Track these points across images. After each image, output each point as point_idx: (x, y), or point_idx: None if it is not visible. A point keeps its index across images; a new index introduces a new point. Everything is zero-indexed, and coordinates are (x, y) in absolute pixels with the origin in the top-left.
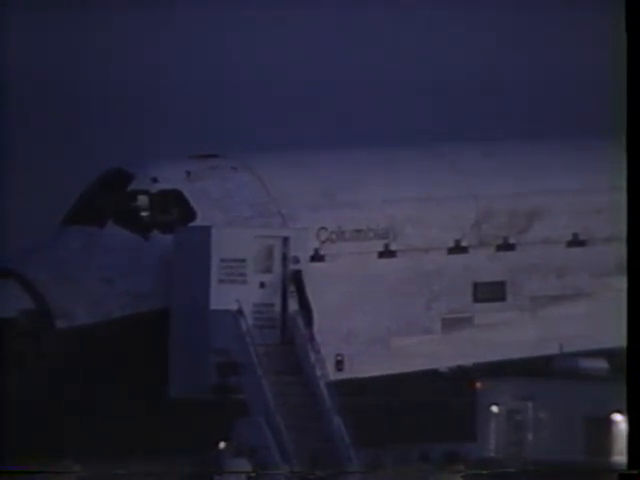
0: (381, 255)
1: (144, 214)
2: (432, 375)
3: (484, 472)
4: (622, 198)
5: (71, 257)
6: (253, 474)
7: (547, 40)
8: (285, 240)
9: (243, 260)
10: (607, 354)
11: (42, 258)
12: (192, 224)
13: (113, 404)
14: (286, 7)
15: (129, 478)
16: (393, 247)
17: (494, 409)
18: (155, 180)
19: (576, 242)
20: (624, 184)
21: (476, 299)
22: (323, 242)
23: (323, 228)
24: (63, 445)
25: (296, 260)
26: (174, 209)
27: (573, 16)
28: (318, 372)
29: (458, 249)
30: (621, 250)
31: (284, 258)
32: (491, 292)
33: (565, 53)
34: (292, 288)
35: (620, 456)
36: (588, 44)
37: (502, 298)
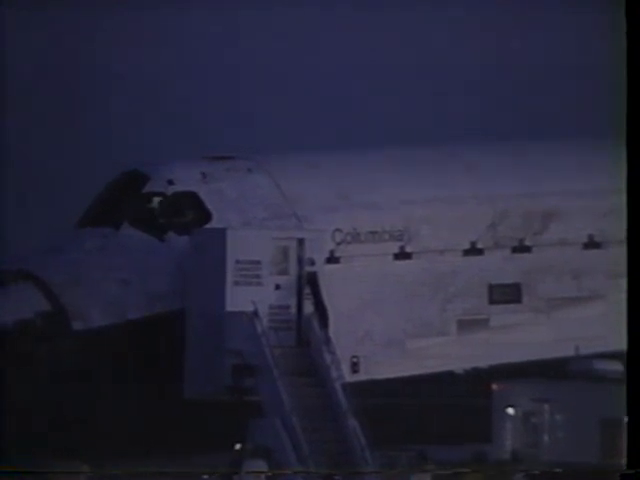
0: (396, 257)
1: (160, 216)
2: (448, 377)
3: (494, 474)
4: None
5: (87, 259)
6: (270, 474)
7: (561, 39)
8: (300, 242)
9: (258, 262)
10: (622, 356)
11: (58, 260)
12: (208, 226)
13: (129, 405)
14: (302, 6)
15: (144, 478)
16: (408, 249)
17: (510, 411)
18: (171, 182)
19: (592, 244)
20: None
21: (492, 301)
22: (338, 244)
23: (338, 230)
24: (79, 446)
25: (311, 262)
26: (189, 211)
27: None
28: (334, 374)
29: (474, 251)
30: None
31: (299, 260)
32: (507, 294)
33: (579, 51)
34: (307, 290)
35: None
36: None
37: (518, 300)
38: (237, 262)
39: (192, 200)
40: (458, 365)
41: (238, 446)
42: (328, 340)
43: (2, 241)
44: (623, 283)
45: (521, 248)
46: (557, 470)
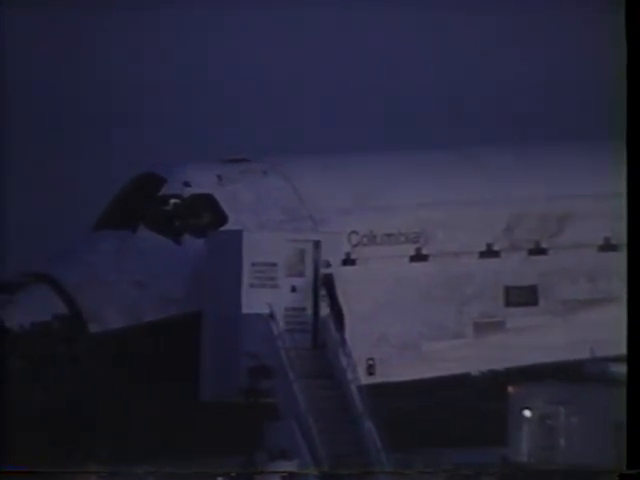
0: (412, 259)
1: (176, 218)
2: (463, 379)
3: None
4: None
5: (103, 261)
6: (285, 474)
7: (578, 40)
8: (316, 244)
9: (274, 264)
10: None
11: (74, 262)
12: (223, 228)
13: (144, 407)
14: (318, 6)
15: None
16: (425, 251)
17: (526, 413)
18: (187, 184)
19: (607, 246)
20: None
21: (508, 303)
22: (354, 246)
23: (354, 232)
24: (94, 447)
25: (327, 264)
26: (206, 213)
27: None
28: (349, 376)
29: (490, 253)
30: None
31: (315, 262)
32: (523, 296)
33: (596, 54)
34: (323, 292)
35: None
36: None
37: (534, 302)
38: (253, 264)
39: (208, 202)
40: (474, 368)
41: (254, 448)
42: (344, 342)
43: (18, 243)
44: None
45: (537, 250)
46: (557, 470)
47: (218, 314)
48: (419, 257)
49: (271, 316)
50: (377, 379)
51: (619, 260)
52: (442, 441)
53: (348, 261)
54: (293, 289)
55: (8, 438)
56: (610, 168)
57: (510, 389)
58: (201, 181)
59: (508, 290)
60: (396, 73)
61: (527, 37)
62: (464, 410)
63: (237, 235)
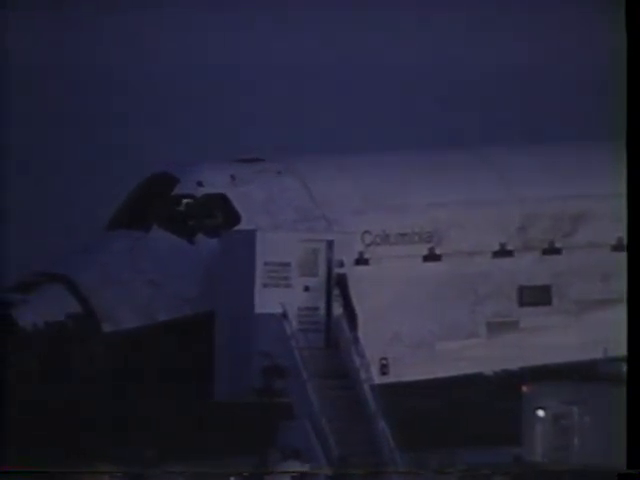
0: (426, 259)
1: (189, 218)
2: (477, 379)
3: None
4: None
5: (117, 261)
6: (298, 474)
7: (595, 40)
8: (330, 244)
9: (288, 264)
10: None
11: (88, 262)
12: (237, 228)
13: (158, 407)
14: (334, 6)
15: (174, 478)
16: (438, 251)
17: (540, 413)
18: (200, 184)
19: (621, 246)
20: None
21: (521, 303)
22: (368, 245)
23: (367, 232)
24: (108, 447)
25: (341, 264)
26: (219, 213)
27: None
28: (363, 375)
29: (503, 253)
30: None
31: (329, 262)
32: (537, 296)
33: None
34: (337, 292)
35: None
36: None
37: (548, 302)
38: (266, 264)
39: (221, 202)
40: (487, 367)
41: (267, 447)
42: (357, 342)
43: (32, 243)
44: None
45: (551, 250)
46: (570, 470)
47: (231, 314)
48: (432, 257)
49: (284, 316)
50: (390, 379)
51: None
52: (456, 441)
53: (361, 261)
54: (306, 289)
55: (21, 438)
56: (623, 167)
57: (524, 389)
58: (214, 181)
59: (522, 290)
60: (411, 73)
61: (531, 35)
62: (477, 410)
63: (250, 235)
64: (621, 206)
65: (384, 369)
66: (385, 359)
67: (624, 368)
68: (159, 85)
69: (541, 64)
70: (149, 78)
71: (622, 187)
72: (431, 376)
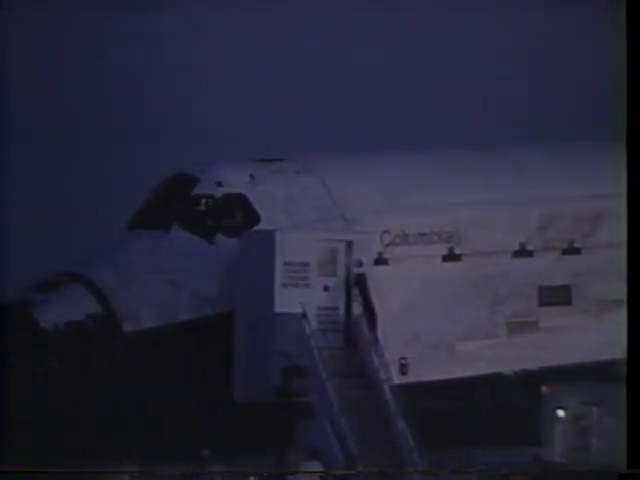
0: (445, 259)
1: (209, 218)
2: (497, 379)
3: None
4: None
5: (137, 261)
6: (317, 474)
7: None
8: (349, 244)
9: (307, 264)
10: None
11: (108, 262)
12: (256, 228)
13: (178, 407)
14: (354, 10)
15: (195, 478)
16: (457, 251)
17: (559, 413)
18: (219, 184)
19: None
20: None
21: (541, 303)
22: (387, 245)
23: (387, 231)
24: (128, 446)
25: (360, 263)
26: (238, 213)
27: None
28: (382, 375)
29: (523, 253)
30: None
31: (348, 262)
32: (556, 296)
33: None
34: (356, 291)
35: None
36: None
37: (567, 302)
38: (285, 264)
39: (241, 202)
40: (507, 367)
41: (287, 447)
42: (376, 342)
43: (53, 244)
44: None
45: (571, 250)
46: (590, 470)
47: (251, 313)
48: (452, 257)
49: (304, 315)
50: (410, 379)
51: None
52: (475, 441)
53: (380, 261)
54: (326, 288)
55: (40, 438)
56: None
57: (543, 389)
58: (234, 181)
59: (541, 290)
60: (427, 73)
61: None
62: (497, 410)
63: (270, 235)
64: None
65: (403, 369)
66: (404, 359)
67: None
68: (176, 85)
69: (573, 62)
70: (160, 79)
71: None
72: (450, 376)
